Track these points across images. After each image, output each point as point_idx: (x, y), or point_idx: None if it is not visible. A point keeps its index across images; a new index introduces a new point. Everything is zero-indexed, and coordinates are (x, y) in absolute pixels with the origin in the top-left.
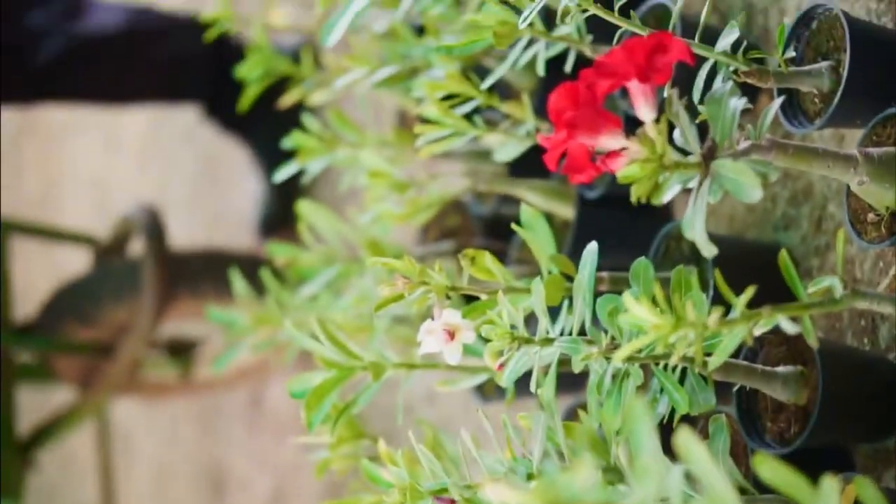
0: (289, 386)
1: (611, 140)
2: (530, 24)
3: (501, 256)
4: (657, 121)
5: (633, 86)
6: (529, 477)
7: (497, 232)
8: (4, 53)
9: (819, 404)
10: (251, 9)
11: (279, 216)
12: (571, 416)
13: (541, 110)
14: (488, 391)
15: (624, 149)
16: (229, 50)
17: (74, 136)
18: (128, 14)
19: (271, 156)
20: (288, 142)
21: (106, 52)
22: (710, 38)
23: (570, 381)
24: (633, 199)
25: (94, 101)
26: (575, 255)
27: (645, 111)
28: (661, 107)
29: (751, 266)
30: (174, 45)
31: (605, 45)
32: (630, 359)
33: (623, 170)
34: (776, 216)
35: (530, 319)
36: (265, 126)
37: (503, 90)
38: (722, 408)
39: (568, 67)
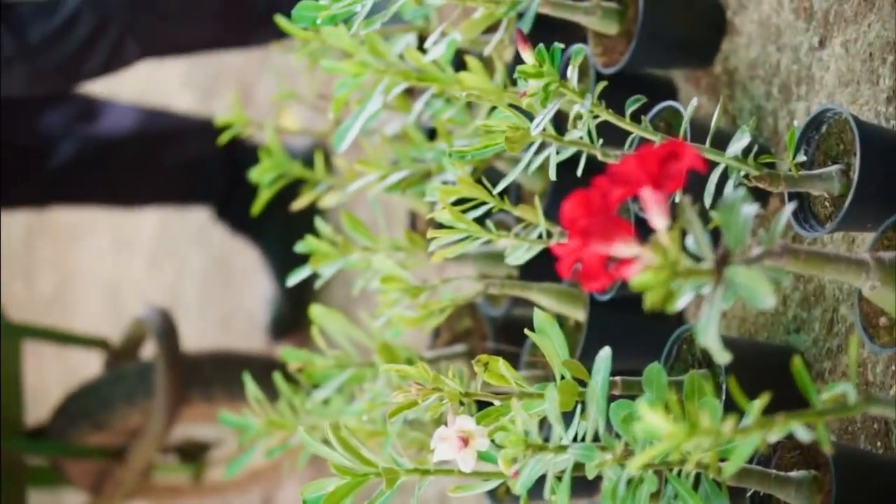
0: (302, 493)
1: (624, 247)
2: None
3: (514, 359)
4: (670, 228)
5: (646, 193)
6: None
7: (509, 334)
8: (19, 157)
9: None
10: (262, 112)
11: (291, 318)
12: None
13: (552, 213)
14: (501, 495)
15: (637, 256)
16: (242, 153)
17: (86, 237)
18: (141, 116)
19: (282, 258)
20: (300, 246)
21: (119, 156)
22: (721, 140)
23: (583, 484)
24: (647, 306)
25: (107, 204)
26: (586, 357)
27: (658, 218)
28: (674, 211)
29: (764, 369)
30: (187, 148)
31: (616, 148)
32: (645, 466)
33: (636, 277)
34: (787, 318)
35: (543, 422)
36: (276, 228)
37: (514, 191)
38: None
39: (579, 171)
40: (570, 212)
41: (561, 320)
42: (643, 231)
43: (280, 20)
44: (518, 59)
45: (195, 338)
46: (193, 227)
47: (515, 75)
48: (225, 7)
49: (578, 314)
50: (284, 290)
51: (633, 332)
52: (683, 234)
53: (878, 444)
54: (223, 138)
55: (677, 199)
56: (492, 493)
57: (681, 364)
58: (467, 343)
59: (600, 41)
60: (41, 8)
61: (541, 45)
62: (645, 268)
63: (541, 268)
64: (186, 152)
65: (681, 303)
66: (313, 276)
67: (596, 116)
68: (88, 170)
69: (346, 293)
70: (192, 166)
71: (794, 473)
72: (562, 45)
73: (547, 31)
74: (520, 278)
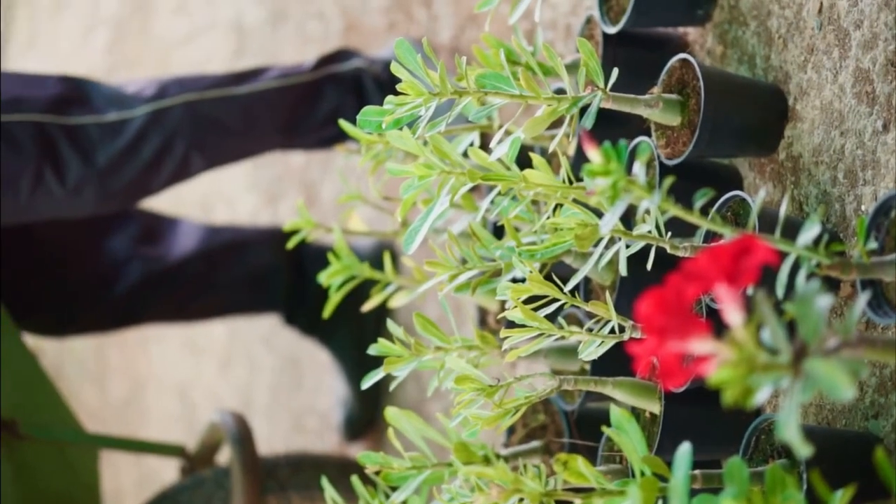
0: None
1: (700, 344)
2: None
3: (590, 453)
4: (745, 322)
5: (721, 290)
6: None
7: (583, 428)
8: (87, 287)
9: None
10: (327, 214)
11: (364, 419)
12: None
13: (622, 306)
14: None
15: (714, 353)
16: (308, 257)
17: (155, 343)
18: (203, 233)
19: (354, 359)
20: (373, 349)
21: (185, 275)
22: (790, 228)
23: None
24: (726, 402)
25: (176, 322)
26: (663, 450)
27: (733, 314)
28: (748, 305)
29: (844, 459)
30: (252, 260)
31: (685, 239)
32: None
33: (714, 374)
34: (865, 404)
35: None
36: (346, 330)
37: (583, 285)
38: None
39: (649, 265)
40: (645, 310)
41: (636, 413)
42: (717, 323)
43: (344, 125)
44: (581, 152)
45: (268, 438)
46: (263, 328)
47: (582, 172)
48: (287, 119)
49: (653, 406)
50: (357, 391)
51: (708, 424)
52: (759, 327)
53: None
54: (291, 243)
55: (750, 293)
56: None
57: (760, 455)
58: (542, 439)
59: (663, 133)
60: (107, 129)
61: (606, 144)
62: (722, 364)
63: (613, 361)
64: (251, 264)
65: (759, 398)
66: (386, 377)
67: (664, 212)
68: (155, 292)
69: (418, 391)
70: (258, 277)
71: None
72: (626, 142)
73: (609, 124)
74: (592, 372)
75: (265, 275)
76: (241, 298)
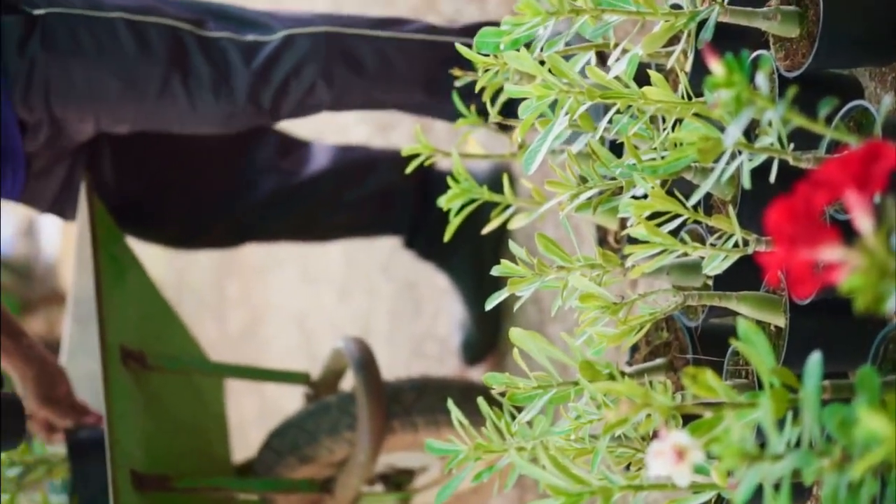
0: None
1: (830, 252)
2: None
3: (715, 369)
4: (875, 230)
5: (850, 197)
6: None
7: (707, 344)
8: (222, 196)
9: None
10: (441, 141)
11: (483, 342)
12: None
13: (744, 220)
14: None
15: (844, 260)
16: (433, 181)
17: (273, 274)
18: (335, 152)
19: (472, 282)
20: (497, 270)
21: (316, 191)
22: None
23: (797, 491)
24: (857, 309)
25: (301, 239)
26: (789, 363)
27: (863, 220)
28: (876, 213)
29: None
30: (382, 179)
31: (806, 151)
32: (866, 469)
33: (845, 281)
34: None
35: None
36: (464, 253)
37: (704, 200)
38: None
39: (771, 178)
40: (775, 219)
41: (760, 327)
42: (845, 234)
43: (461, 48)
44: (698, 68)
45: (388, 365)
46: (381, 255)
47: (702, 87)
48: (428, 77)
49: (777, 320)
50: (475, 315)
51: (834, 336)
52: (889, 234)
53: None
54: (410, 168)
55: (878, 201)
56: None
57: (888, 364)
58: (666, 356)
59: (781, 45)
60: (242, 47)
61: (729, 55)
62: (853, 271)
63: (735, 276)
64: (381, 183)
65: (891, 304)
66: (505, 300)
67: (787, 122)
68: (287, 205)
69: (538, 314)
70: (387, 197)
71: None
72: (748, 52)
73: (727, 38)
74: (714, 288)
75: (394, 195)
76: (368, 218)
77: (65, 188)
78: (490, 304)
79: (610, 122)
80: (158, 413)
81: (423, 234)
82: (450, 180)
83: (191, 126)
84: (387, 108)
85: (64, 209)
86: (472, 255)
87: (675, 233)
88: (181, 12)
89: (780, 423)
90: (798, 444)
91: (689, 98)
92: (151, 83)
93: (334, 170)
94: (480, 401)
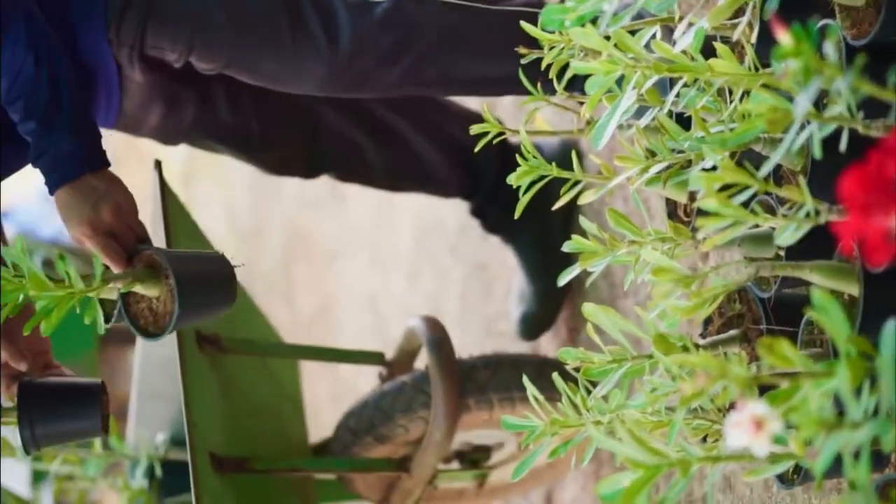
0: (598, 490)
1: None
2: None
3: (789, 339)
4: None
5: None
6: None
7: (780, 315)
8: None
9: None
10: (507, 118)
11: (543, 317)
12: (880, 494)
13: (816, 190)
14: (789, 477)
15: None
16: (511, 153)
17: (342, 259)
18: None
19: (539, 258)
20: (567, 246)
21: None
22: None
23: (875, 459)
24: None
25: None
26: (865, 331)
27: None
28: None
29: None
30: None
31: (876, 120)
32: None
33: None
34: None
35: None
36: (532, 228)
37: (773, 171)
38: None
39: (842, 146)
40: (848, 188)
41: (834, 296)
42: None
43: (526, 26)
44: (763, 40)
45: (461, 345)
46: (449, 237)
47: (770, 57)
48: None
49: (851, 289)
50: (539, 290)
51: None
52: None
53: None
54: (480, 145)
55: None
56: (780, 476)
57: None
58: (740, 327)
59: (847, 14)
60: (352, 7)
61: (795, 25)
62: None
63: (807, 247)
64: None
65: None
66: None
67: (856, 90)
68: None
69: (608, 289)
70: (471, 156)
71: None
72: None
73: (792, 9)
74: (787, 259)
75: (479, 155)
76: (451, 172)
77: (165, 118)
78: (563, 280)
79: (677, 95)
80: (234, 396)
81: (496, 205)
82: (518, 158)
83: (285, 79)
84: (497, 85)
85: (166, 136)
86: (540, 231)
87: (745, 204)
88: None
89: (858, 392)
90: (876, 412)
91: (756, 69)
92: (259, 22)
93: (434, 102)
94: (555, 376)
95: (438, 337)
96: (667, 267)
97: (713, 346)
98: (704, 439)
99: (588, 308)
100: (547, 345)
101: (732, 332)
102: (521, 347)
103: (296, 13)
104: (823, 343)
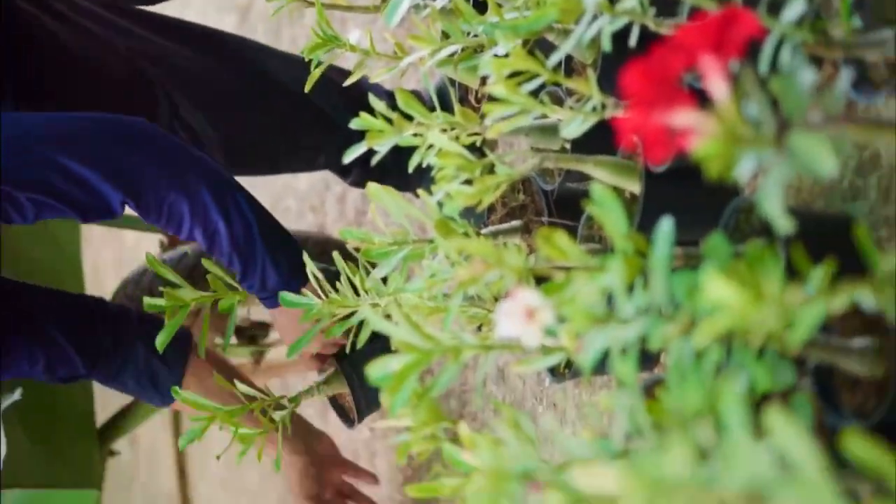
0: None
1: (685, 117)
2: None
3: (569, 233)
4: (730, 96)
5: (706, 61)
6: (615, 457)
7: (562, 208)
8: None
9: None
10: None
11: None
12: (647, 394)
13: (604, 84)
14: (561, 371)
15: (698, 125)
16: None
17: None
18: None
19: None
20: (355, 124)
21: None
22: (774, 6)
23: (644, 357)
24: (709, 175)
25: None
26: (642, 229)
27: (717, 87)
28: (732, 81)
29: (823, 238)
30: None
31: (668, 17)
32: (710, 336)
33: (697, 147)
34: (843, 186)
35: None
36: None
37: (564, 63)
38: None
39: (632, 42)
40: (630, 81)
41: (616, 193)
42: (701, 101)
43: None
44: None
45: None
46: None
47: None
48: None
49: (633, 186)
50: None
51: (688, 204)
52: (742, 102)
53: None
54: None
55: (734, 69)
56: (551, 370)
57: (738, 235)
58: (522, 218)
59: None
60: None
61: None
62: (706, 137)
63: (592, 140)
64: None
65: (742, 171)
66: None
67: None
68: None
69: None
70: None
71: (856, 341)
72: None
73: None
74: (572, 152)
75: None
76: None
77: None
78: (348, 158)
79: None
80: (14, 253)
81: None
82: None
83: None
84: None
85: None
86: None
87: (535, 94)
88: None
89: (631, 289)
90: (647, 310)
91: None
92: None
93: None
94: (336, 255)
95: None
96: (452, 151)
97: (495, 235)
98: (480, 328)
99: (372, 188)
100: (332, 224)
101: (514, 223)
102: (306, 224)
103: None
104: (602, 239)
